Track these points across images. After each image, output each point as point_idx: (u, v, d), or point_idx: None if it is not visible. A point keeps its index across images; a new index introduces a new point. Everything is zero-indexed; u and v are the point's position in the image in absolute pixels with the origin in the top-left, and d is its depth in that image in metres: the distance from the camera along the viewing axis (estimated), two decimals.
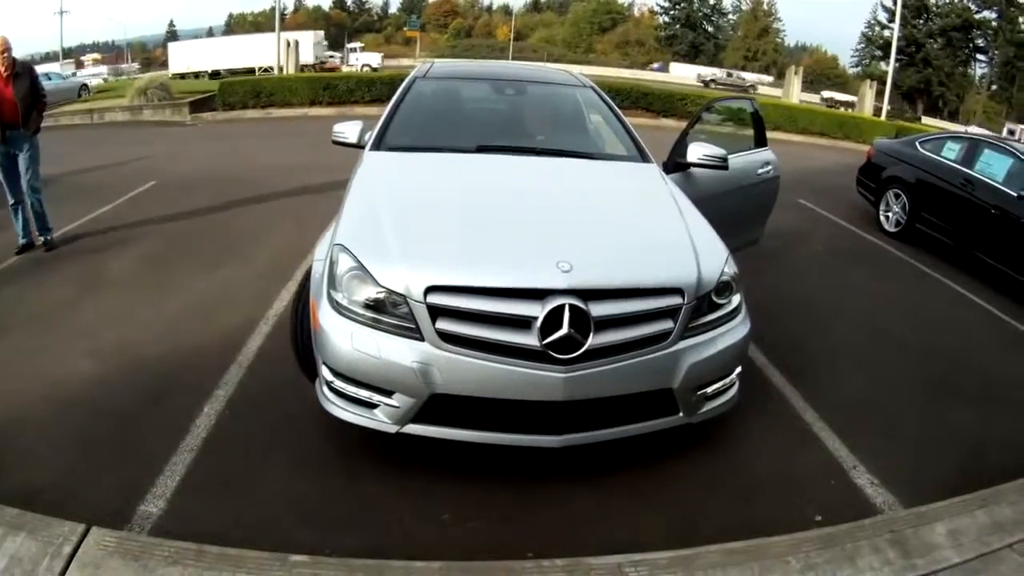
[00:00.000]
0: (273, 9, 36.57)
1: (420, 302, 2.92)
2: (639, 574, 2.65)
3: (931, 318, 6.13)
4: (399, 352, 2.95)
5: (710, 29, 70.08)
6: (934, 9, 50.31)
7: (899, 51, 37.09)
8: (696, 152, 4.69)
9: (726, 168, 4.79)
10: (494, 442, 3.08)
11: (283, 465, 3.33)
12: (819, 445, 3.79)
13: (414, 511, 3.06)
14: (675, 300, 3.09)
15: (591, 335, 2.90)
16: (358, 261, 3.08)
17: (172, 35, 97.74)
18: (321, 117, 18.43)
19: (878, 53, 54.78)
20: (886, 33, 52.20)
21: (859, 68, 59.95)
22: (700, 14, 68.58)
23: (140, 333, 4.70)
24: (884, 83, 32.74)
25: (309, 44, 44.21)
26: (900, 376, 4.76)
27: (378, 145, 4.45)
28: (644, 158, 4.59)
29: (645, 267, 3.22)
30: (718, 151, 4.73)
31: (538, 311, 2.88)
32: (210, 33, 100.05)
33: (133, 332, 4.71)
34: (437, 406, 3.00)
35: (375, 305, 3.02)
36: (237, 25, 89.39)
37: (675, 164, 4.88)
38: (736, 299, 3.39)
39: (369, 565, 2.64)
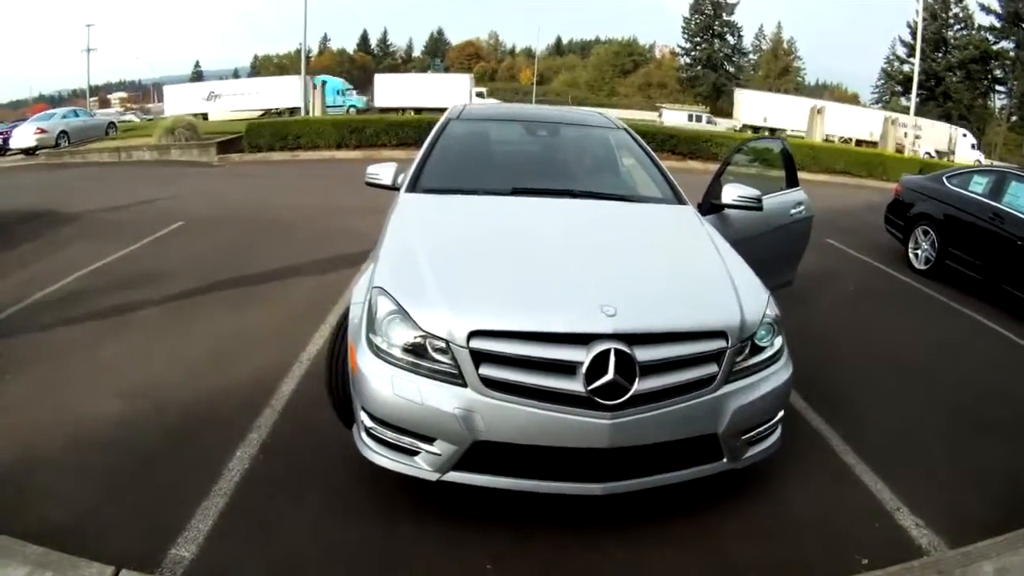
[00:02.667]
0: (298, 51, 37.07)
1: (463, 347, 2.88)
2: None
3: (964, 355, 6.04)
4: (441, 398, 2.90)
5: (731, 69, 70.28)
6: (952, 42, 50.22)
7: (919, 85, 37.06)
8: (730, 194, 4.68)
9: (760, 209, 4.77)
10: (536, 490, 3.02)
11: (319, 511, 3.27)
12: (861, 487, 3.71)
13: (454, 560, 2.99)
14: (719, 344, 3.04)
15: (636, 380, 2.86)
16: (398, 304, 3.06)
17: (198, 75, 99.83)
18: (348, 160, 18.72)
19: (898, 89, 54.76)
20: (905, 68, 52.20)
21: (879, 104, 59.89)
22: (721, 55, 68.67)
23: (168, 374, 4.68)
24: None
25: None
26: (938, 414, 4.68)
27: (413, 187, 4.46)
28: (679, 200, 4.58)
29: (689, 311, 3.20)
30: (752, 192, 4.70)
31: (583, 356, 2.84)
32: (236, 75, 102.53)
33: (161, 373, 4.69)
34: (479, 453, 2.94)
35: (416, 350, 2.99)
36: (262, 67, 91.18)
37: (710, 206, 4.88)
38: (779, 342, 3.35)
39: None
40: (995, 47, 48.62)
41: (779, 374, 3.29)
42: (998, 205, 7.87)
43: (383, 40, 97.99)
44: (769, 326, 3.27)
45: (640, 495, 3.16)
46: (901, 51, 55.22)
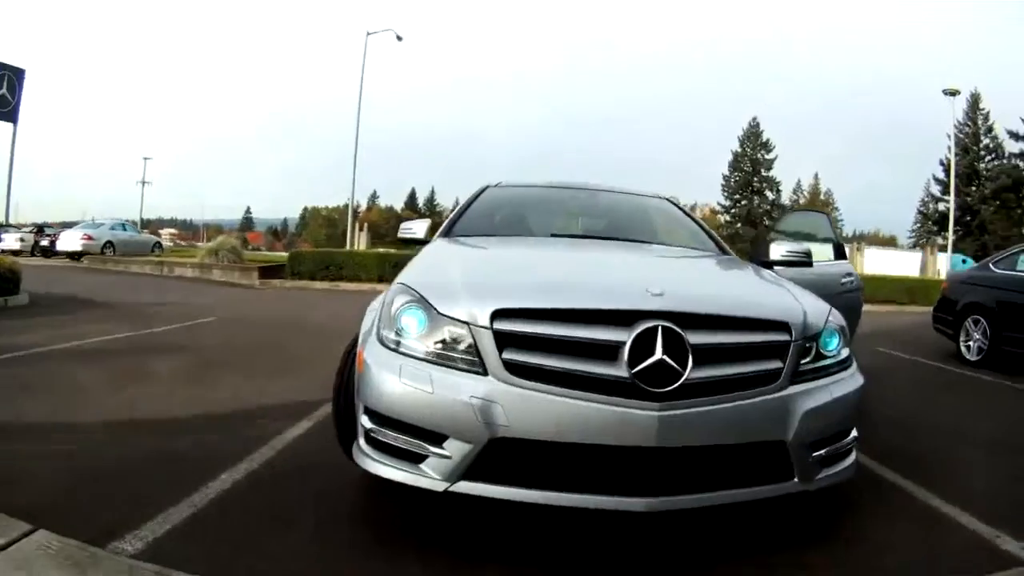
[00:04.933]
0: (346, 205, 38.64)
1: (485, 328, 2.54)
2: None
3: (1017, 419, 5.82)
4: (456, 386, 2.53)
5: (769, 224, 70.70)
6: (984, 174, 49.84)
7: (955, 221, 37.07)
8: (779, 250, 4.37)
9: (810, 265, 4.46)
10: (566, 504, 2.52)
11: (302, 535, 2.81)
12: (953, 524, 3.25)
13: None
14: (782, 336, 2.69)
15: (689, 366, 2.47)
16: (417, 294, 2.79)
17: (248, 221, 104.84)
18: None
19: (934, 228, 54.40)
20: (941, 206, 51.86)
21: (917, 247, 59.37)
22: (760, 210, 68.83)
23: (181, 410, 4.63)
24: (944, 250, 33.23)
25: None
26: (1012, 470, 4.27)
27: (447, 234, 4.34)
28: (725, 253, 4.44)
29: (747, 299, 2.97)
30: (802, 247, 4.43)
31: (625, 336, 2.47)
32: (285, 224, 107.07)
33: (174, 410, 4.62)
34: (496, 457, 2.51)
35: (431, 337, 2.67)
36: (311, 218, 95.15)
37: (759, 263, 4.55)
38: (846, 351, 3.00)
39: None
40: None
41: (850, 381, 2.93)
42: None
43: (430, 199, 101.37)
44: (834, 332, 2.94)
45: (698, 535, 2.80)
46: (935, 189, 54.95)
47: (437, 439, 2.56)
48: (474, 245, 3.93)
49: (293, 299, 15.60)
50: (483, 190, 5.10)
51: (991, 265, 8.92)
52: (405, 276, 3.07)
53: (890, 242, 72.08)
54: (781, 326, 2.71)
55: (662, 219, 5.10)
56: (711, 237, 4.64)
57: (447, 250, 3.86)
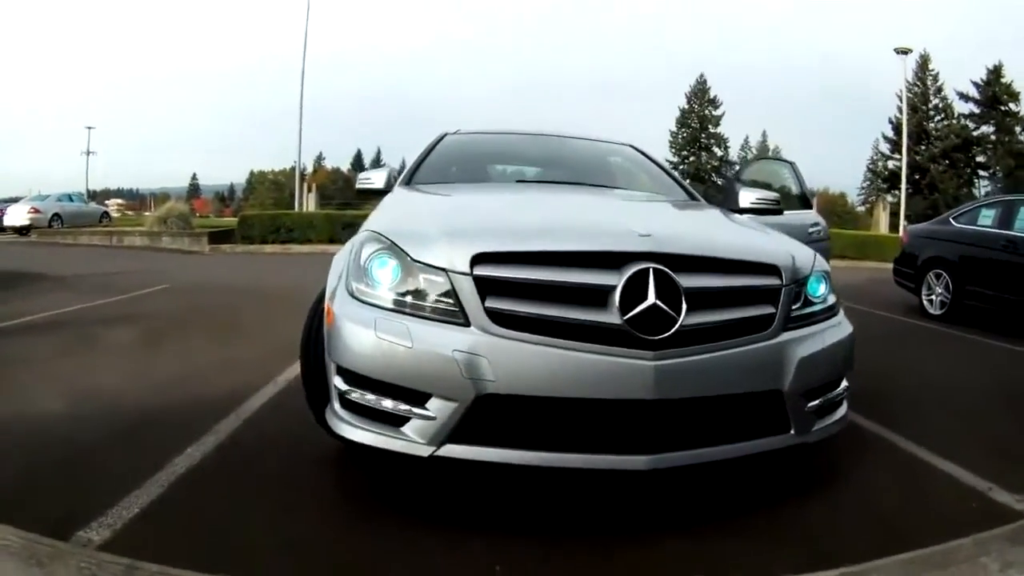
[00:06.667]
0: (293, 168, 37.94)
1: (465, 274, 2.36)
2: None
3: (989, 370, 5.87)
4: (437, 339, 2.34)
5: (719, 182, 70.20)
6: (934, 133, 50.38)
7: (905, 179, 37.54)
8: (748, 197, 4.22)
9: (780, 212, 4.36)
10: (562, 465, 2.36)
11: (272, 509, 2.64)
12: (941, 475, 3.21)
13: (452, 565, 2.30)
14: (772, 280, 2.60)
15: (683, 312, 2.33)
16: (388, 240, 2.59)
17: (195, 188, 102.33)
18: None
19: (884, 185, 54.98)
20: (890, 164, 52.47)
21: (866, 205, 59.88)
22: (708, 167, 67.14)
23: (135, 383, 4.38)
24: (895, 214, 33.24)
25: None
26: (989, 416, 4.34)
27: (408, 183, 4.11)
28: (695, 199, 4.32)
29: (735, 242, 2.88)
30: (771, 195, 4.33)
31: (616, 280, 2.32)
32: (232, 190, 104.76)
33: (126, 383, 4.40)
34: (484, 417, 2.32)
35: (406, 288, 2.48)
36: (258, 182, 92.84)
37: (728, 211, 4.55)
38: (832, 298, 2.93)
39: None
40: (975, 133, 48.83)
41: (840, 328, 2.87)
42: (1011, 232, 7.75)
43: (376, 159, 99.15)
44: (820, 277, 2.86)
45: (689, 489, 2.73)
46: (884, 148, 55.19)
47: (419, 399, 2.37)
48: (439, 193, 3.73)
49: (244, 263, 15.41)
50: (441, 138, 4.89)
51: (951, 219, 8.96)
52: (373, 223, 2.90)
53: (840, 199, 72.97)
54: (771, 269, 2.63)
55: (628, 165, 5.01)
56: (679, 183, 4.56)
57: (412, 197, 3.68)
